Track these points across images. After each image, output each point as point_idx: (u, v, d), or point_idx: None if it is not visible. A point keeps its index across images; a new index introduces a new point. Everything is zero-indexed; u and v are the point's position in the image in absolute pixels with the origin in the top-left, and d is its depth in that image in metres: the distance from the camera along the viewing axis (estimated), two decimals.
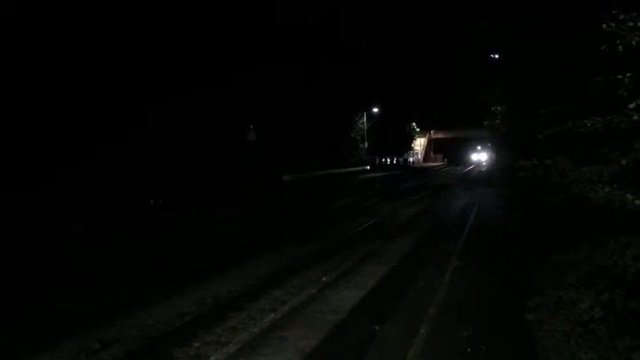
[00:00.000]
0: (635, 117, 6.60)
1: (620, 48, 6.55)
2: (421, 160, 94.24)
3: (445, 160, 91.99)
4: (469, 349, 6.52)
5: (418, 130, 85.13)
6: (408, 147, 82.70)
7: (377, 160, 65.96)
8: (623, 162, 6.92)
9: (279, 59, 35.67)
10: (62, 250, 13.82)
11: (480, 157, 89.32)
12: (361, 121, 61.95)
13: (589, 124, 7.45)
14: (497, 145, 34.47)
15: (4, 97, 18.61)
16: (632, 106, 6.61)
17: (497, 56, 26.49)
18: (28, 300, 9.77)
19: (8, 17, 18.54)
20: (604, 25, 6.58)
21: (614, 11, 6.44)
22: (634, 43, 6.34)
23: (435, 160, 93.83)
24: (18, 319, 8.70)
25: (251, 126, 33.20)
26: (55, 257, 13.08)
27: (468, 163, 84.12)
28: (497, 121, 27.01)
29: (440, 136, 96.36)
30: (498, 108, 25.93)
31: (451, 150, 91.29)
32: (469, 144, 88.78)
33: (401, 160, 77.75)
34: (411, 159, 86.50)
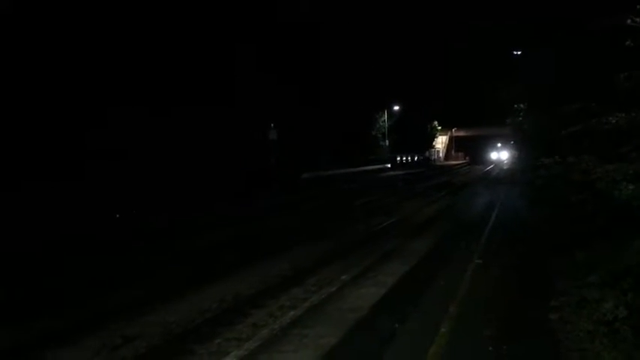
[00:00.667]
0: None
1: None
2: (442, 158, 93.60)
3: (467, 158, 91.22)
4: (491, 348, 6.46)
5: (440, 128, 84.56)
6: (429, 145, 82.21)
7: (398, 158, 65.66)
8: None
9: (298, 57, 35.69)
10: (74, 250, 14.00)
11: (501, 155, 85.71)
12: (382, 119, 61.73)
13: (613, 121, 7.36)
14: (520, 143, 34.14)
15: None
16: None
17: (519, 53, 26.21)
18: (50, 298, 9.95)
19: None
20: (629, 20, 6.50)
21: (638, 6, 6.35)
22: None
23: (457, 159, 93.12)
24: (41, 316, 8.87)
25: (272, 125, 33.28)
26: (67, 257, 13.23)
27: (488, 162, 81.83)
28: (520, 118, 26.75)
29: (461, 134, 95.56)
30: (521, 105, 25.68)
31: (473, 148, 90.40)
32: (491, 142, 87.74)
33: (422, 158, 77.28)
34: (433, 157, 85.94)
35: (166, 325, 8.35)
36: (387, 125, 62.10)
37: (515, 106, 26.10)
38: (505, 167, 57.72)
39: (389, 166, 58.77)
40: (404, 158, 68.80)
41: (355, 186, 35.59)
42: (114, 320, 8.52)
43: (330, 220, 19.93)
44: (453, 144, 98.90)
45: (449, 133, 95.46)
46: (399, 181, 41.25)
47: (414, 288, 9.75)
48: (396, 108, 63.72)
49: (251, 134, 31.45)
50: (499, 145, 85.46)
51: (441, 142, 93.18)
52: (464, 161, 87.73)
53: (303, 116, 36.67)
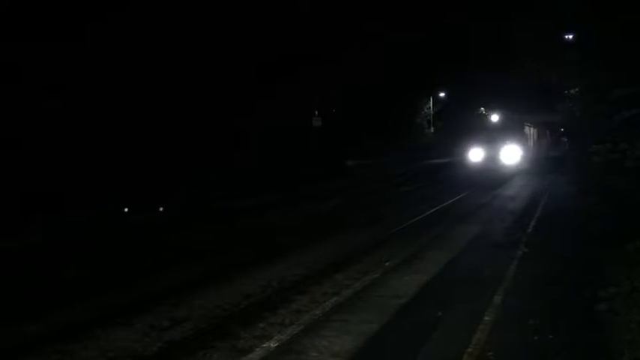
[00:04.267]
0: None
1: None
2: None
3: None
4: (536, 338, 6.36)
5: (486, 115, 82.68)
6: None
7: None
8: None
9: (343, 45, 35.45)
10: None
11: (503, 153, 44.22)
12: (427, 106, 60.92)
13: None
14: (571, 130, 33.14)
15: None
16: None
17: (570, 37, 25.35)
18: (99, 280, 10.32)
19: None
20: None
21: None
22: None
23: None
24: (91, 299, 9.22)
25: (316, 112, 33.31)
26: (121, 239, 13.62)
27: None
28: (571, 104, 25.94)
29: None
30: (572, 91, 24.91)
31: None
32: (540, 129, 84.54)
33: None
34: None
35: (212, 309, 8.59)
36: (432, 112, 61.21)
37: (566, 92, 25.35)
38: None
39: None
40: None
41: (399, 173, 35.32)
42: (163, 302, 8.82)
43: (373, 207, 19.90)
44: None
45: None
46: (444, 168, 40.66)
47: (458, 276, 9.65)
48: (442, 95, 62.66)
49: (296, 120, 31.56)
50: (497, 118, 35.23)
51: None
52: None
53: (347, 103, 36.53)
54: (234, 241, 13.85)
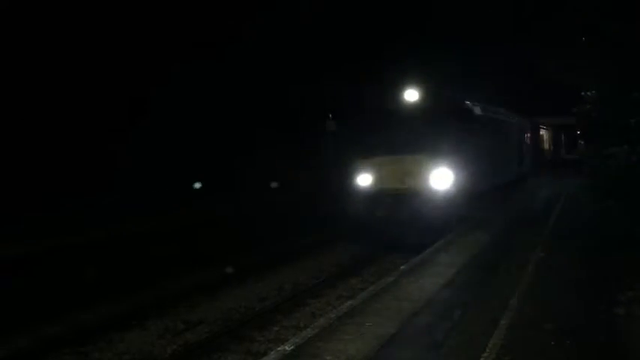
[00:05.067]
0: None
1: None
2: None
3: None
4: (553, 343, 6.28)
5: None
6: None
7: None
8: None
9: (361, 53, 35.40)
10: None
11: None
12: None
13: None
14: (588, 133, 32.67)
15: None
16: None
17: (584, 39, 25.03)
18: (117, 283, 10.37)
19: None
20: None
21: None
22: None
23: None
24: (107, 301, 9.28)
25: (330, 115, 33.18)
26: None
27: None
28: (589, 106, 25.59)
29: None
30: (588, 93, 24.60)
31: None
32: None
33: None
34: None
35: (227, 312, 8.60)
36: None
37: (583, 93, 25.07)
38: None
39: None
40: None
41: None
42: (178, 305, 8.86)
43: None
44: None
45: None
46: None
47: (474, 280, 9.57)
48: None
49: (322, 124, 31.48)
50: (417, 97, 14.17)
51: None
52: None
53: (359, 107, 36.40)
54: (243, 242, 13.84)
